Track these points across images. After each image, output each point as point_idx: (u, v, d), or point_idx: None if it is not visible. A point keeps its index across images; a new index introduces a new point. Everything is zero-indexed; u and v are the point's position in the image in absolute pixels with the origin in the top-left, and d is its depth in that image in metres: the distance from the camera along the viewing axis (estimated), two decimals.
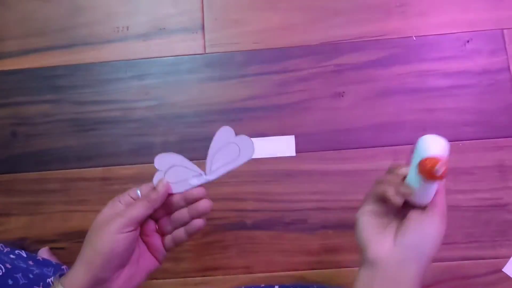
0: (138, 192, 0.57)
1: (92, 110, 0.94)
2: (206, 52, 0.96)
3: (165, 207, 0.58)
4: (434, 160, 0.51)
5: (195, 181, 0.58)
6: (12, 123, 0.94)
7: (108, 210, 0.55)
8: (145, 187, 0.57)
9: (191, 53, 0.96)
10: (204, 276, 0.86)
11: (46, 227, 0.89)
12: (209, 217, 0.88)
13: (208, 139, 0.90)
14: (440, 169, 0.50)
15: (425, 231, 0.52)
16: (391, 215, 0.55)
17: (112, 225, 0.53)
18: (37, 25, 0.99)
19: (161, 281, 0.87)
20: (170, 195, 0.57)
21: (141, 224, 0.55)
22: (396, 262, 0.52)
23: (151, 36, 0.97)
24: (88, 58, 0.97)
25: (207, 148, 0.90)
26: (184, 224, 0.58)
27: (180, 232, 0.58)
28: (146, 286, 0.86)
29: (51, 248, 0.88)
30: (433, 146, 0.55)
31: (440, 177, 0.51)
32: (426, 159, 0.52)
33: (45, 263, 0.78)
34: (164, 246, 0.59)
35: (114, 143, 0.93)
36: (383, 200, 0.54)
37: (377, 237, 0.53)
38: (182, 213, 0.58)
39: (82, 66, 0.97)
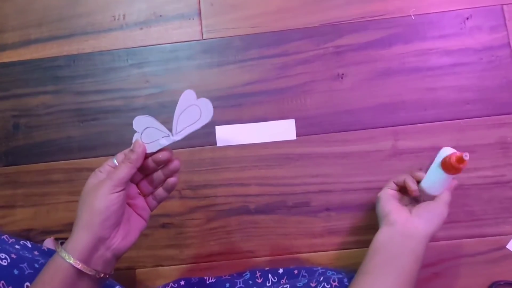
0: (115, 160, 0.64)
1: (94, 100, 0.95)
2: (204, 38, 0.95)
3: (142, 170, 0.65)
4: (459, 153, 0.69)
5: (164, 141, 0.64)
6: (14, 115, 0.94)
7: (92, 180, 0.62)
8: (120, 155, 0.64)
9: (188, 39, 0.95)
10: (209, 261, 0.87)
11: (51, 218, 0.90)
12: (212, 203, 0.89)
13: (207, 126, 0.91)
14: (466, 157, 0.68)
15: (434, 209, 0.72)
16: (406, 200, 0.77)
17: (103, 188, 0.59)
18: (36, 15, 0.99)
19: (166, 268, 0.88)
20: (145, 156, 0.64)
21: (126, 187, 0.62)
22: (411, 223, 0.70)
23: (148, 24, 0.97)
24: (88, 47, 0.97)
25: (207, 135, 0.91)
26: (161, 183, 0.67)
27: (160, 191, 0.67)
28: (152, 273, 0.88)
29: (56, 239, 0.89)
30: (453, 151, 0.74)
31: (461, 168, 0.70)
32: (451, 154, 0.71)
33: (50, 253, 0.78)
34: (148, 205, 0.68)
35: (116, 132, 0.93)
36: (401, 187, 0.77)
37: (397, 208, 0.73)
38: (158, 175, 0.66)
39: (82, 56, 0.97)
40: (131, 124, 0.91)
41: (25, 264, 0.68)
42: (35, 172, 0.92)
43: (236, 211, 0.89)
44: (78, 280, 0.58)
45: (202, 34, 0.96)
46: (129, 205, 0.65)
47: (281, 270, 0.83)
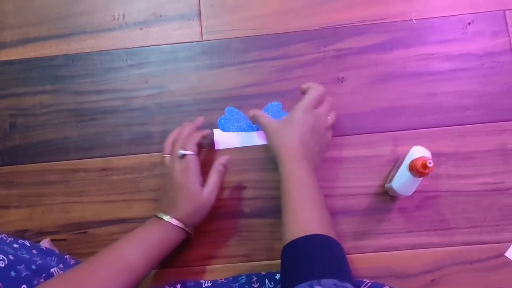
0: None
1: (92, 100, 0.94)
2: (204, 39, 0.95)
3: None
4: (425, 158, 0.72)
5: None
6: (11, 114, 0.94)
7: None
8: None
9: (188, 40, 0.95)
10: (203, 265, 0.86)
11: (46, 218, 0.89)
12: None
13: (206, 127, 0.90)
14: (430, 164, 0.71)
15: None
16: None
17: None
18: (35, 14, 0.98)
19: (159, 270, 0.86)
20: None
21: None
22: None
23: (148, 24, 0.96)
24: (87, 47, 0.96)
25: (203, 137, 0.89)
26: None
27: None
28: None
29: (52, 240, 0.88)
30: (423, 152, 0.80)
31: (427, 173, 0.73)
32: (418, 159, 0.74)
33: (48, 252, 0.78)
34: None
35: (114, 133, 0.92)
36: None
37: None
38: None
39: (81, 55, 0.96)
40: (128, 125, 0.92)
41: (23, 266, 0.68)
42: (31, 172, 0.91)
43: (231, 214, 0.88)
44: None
45: (202, 35, 0.95)
46: None
47: (278, 276, 0.82)
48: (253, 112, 0.85)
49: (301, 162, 0.77)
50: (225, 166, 0.83)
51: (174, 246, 0.78)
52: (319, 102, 0.83)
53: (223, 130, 0.91)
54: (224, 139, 0.91)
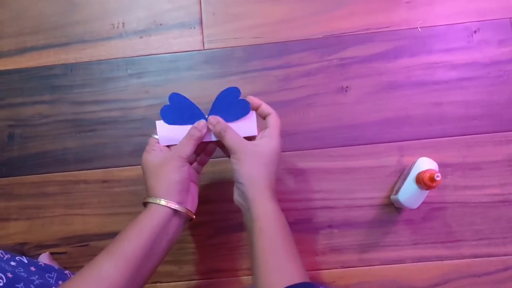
0: (155, 136, 0.74)
1: (91, 110, 0.92)
2: (205, 48, 0.93)
3: None
4: (433, 171, 0.72)
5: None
6: (9, 125, 0.92)
7: (152, 157, 0.71)
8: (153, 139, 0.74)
9: (189, 49, 0.93)
10: (208, 278, 0.85)
11: (46, 231, 0.88)
12: (213, 219, 0.86)
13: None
14: (438, 178, 0.70)
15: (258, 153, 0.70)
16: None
17: (176, 162, 0.69)
18: (32, 22, 0.96)
19: (165, 284, 0.85)
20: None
21: None
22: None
23: (148, 32, 0.94)
24: (85, 56, 0.95)
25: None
26: (202, 150, 0.77)
27: (202, 156, 0.77)
28: None
29: (52, 253, 0.86)
30: (430, 164, 0.79)
31: (434, 186, 0.72)
32: (425, 171, 0.73)
33: (47, 268, 0.76)
34: (196, 171, 0.76)
35: (114, 144, 0.91)
36: None
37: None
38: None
39: (79, 65, 0.94)
40: (129, 136, 0.90)
41: (21, 284, 0.66)
42: (30, 184, 0.90)
43: (237, 227, 0.86)
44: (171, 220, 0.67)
45: (203, 44, 0.93)
46: None
47: None
48: (215, 120, 0.73)
49: (275, 199, 0.69)
50: (200, 131, 0.71)
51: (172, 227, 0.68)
52: None
53: (167, 122, 0.73)
54: (169, 133, 0.73)
